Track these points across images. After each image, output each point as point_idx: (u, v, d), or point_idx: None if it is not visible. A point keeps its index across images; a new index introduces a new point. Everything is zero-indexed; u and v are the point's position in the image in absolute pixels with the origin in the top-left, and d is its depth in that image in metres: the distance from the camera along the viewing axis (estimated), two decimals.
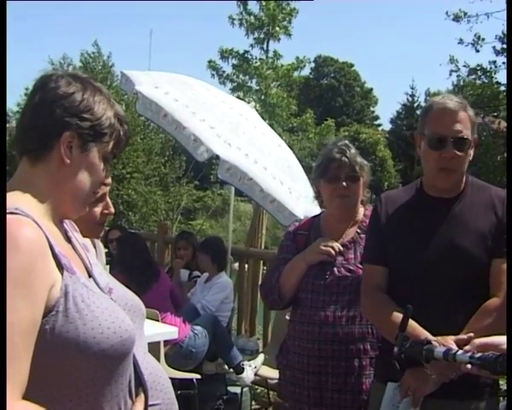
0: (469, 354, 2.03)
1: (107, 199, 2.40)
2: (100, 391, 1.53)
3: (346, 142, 3.31)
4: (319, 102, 60.27)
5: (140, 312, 1.82)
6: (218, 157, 4.93)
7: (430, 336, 2.42)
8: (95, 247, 1.97)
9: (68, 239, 1.71)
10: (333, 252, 3.11)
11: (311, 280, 3.12)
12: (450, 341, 2.38)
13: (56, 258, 1.49)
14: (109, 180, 1.77)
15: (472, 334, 2.39)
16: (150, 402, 1.67)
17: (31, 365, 1.35)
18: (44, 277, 1.42)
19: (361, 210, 3.28)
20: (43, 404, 1.36)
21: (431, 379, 2.43)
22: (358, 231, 3.21)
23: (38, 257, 1.41)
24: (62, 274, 1.49)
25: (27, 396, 1.34)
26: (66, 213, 1.70)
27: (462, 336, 2.41)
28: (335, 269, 3.10)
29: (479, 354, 2.00)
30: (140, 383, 1.67)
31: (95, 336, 1.47)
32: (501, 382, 2.76)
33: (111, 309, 1.56)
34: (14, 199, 1.52)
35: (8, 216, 1.43)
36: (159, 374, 1.76)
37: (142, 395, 1.65)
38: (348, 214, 3.24)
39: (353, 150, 3.23)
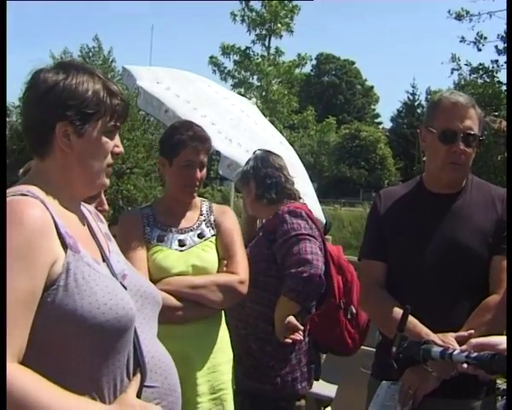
0: (466, 353, 2.04)
1: (102, 196, 2.43)
2: (97, 366, 1.60)
3: None
4: (320, 100, 60.38)
5: (153, 299, 1.93)
6: (218, 153, 4.94)
7: (430, 333, 2.43)
8: None
9: (89, 225, 1.83)
10: None
11: None
12: (450, 338, 2.39)
13: (61, 237, 1.59)
14: (120, 149, 1.81)
15: (472, 331, 2.40)
16: (147, 384, 1.73)
17: (33, 336, 1.47)
18: (46, 253, 1.52)
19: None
20: (39, 371, 1.45)
21: (431, 377, 2.44)
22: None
23: (40, 234, 1.52)
24: (66, 252, 1.58)
25: (31, 366, 1.44)
26: (83, 192, 1.81)
27: (463, 333, 2.42)
28: None
29: (475, 354, 2.01)
30: (139, 364, 1.73)
31: (91, 311, 1.55)
32: (498, 381, 2.76)
33: (111, 288, 1.64)
34: (29, 186, 1.65)
35: (18, 197, 1.57)
36: (162, 359, 1.84)
37: (138, 375, 1.71)
38: None
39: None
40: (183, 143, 2.90)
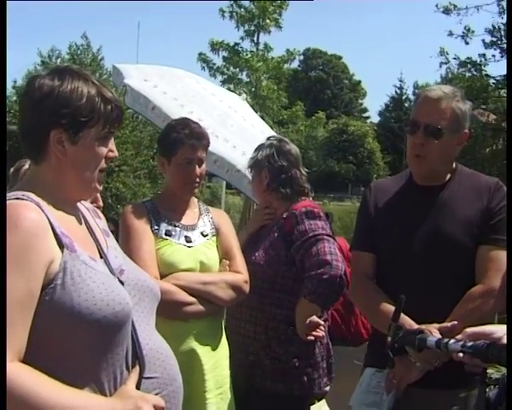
0: (461, 343, 2.05)
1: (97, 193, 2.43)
2: (96, 360, 1.65)
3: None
4: (307, 95, 60.39)
5: (151, 292, 1.96)
6: None
7: (414, 324, 2.44)
8: None
9: (86, 223, 1.87)
10: None
11: None
12: (433, 329, 2.41)
13: (57, 237, 1.63)
14: (115, 153, 1.84)
15: (455, 322, 2.42)
16: (147, 375, 1.77)
17: (33, 334, 1.53)
18: (42, 254, 1.57)
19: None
20: (40, 368, 1.50)
21: (415, 367, 2.47)
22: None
23: (36, 236, 1.57)
24: (63, 252, 1.62)
25: (32, 364, 1.50)
26: (77, 196, 1.85)
27: (446, 324, 2.44)
28: None
29: (470, 343, 2.02)
30: (137, 357, 1.77)
31: (88, 307, 1.60)
32: (489, 370, 2.79)
33: (107, 284, 1.68)
34: (25, 191, 1.68)
35: (14, 201, 1.62)
36: (160, 351, 1.88)
37: (137, 367, 1.75)
38: None
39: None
40: (180, 141, 2.91)
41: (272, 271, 3.07)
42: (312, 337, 3.06)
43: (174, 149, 2.92)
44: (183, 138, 2.91)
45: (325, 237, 3.02)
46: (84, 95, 1.73)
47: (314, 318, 3.04)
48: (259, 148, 3.38)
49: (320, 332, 3.09)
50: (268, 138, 3.46)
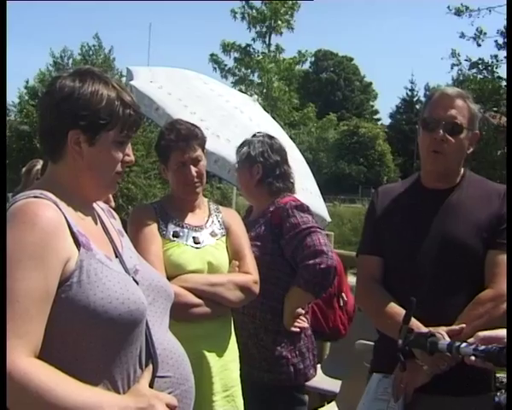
0: (473, 346, 2.05)
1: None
2: (110, 358, 1.67)
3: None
4: (318, 96, 60.29)
5: (165, 293, 1.99)
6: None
7: (422, 327, 2.43)
8: None
9: (101, 223, 1.90)
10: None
11: None
12: (442, 332, 2.40)
13: (74, 236, 1.65)
14: (131, 158, 1.85)
15: (464, 325, 2.41)
16: (160, 374, 1.80)
17: (49, 331, 1.54)
18: (59, 252, 1.59)
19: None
20: (55, 364, 1.52)
21: (422, 371, 2.46)
22: None
23: (53, 234, 1.59)
24: (79, 250, 1.65)
25: (47, 360, 1.51)
26: (92, 197, 1.87)
27: (454, 327, 2.42)
28: None
29: (483, 347, 2.02)
30: (151, 356, 1.79)
31: (103, 305, 1.62)
32: (499, 374, 2.77)
33: (123, 283, 1.70)
34: (43, 189, 1.71)
35: (32, 199, 1.64)
36: (174, 351, 1.90)
37: (150, 366, 1.77)
38: None
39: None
40: (168, 147, 2.94)
41: (258, 261, 3.07)
42: (298, 329, 3.13)
43: (165, 155, 2.96)
44: (169, 144, 2.93)
45: (317, 229, 3.12)
46: (104, 98, 1.75)
47: (299, 309, 3.12)
48: (248, 144, 3.41)
49: (304, 323, 3.17)
50: (254, 135, 3.49)
